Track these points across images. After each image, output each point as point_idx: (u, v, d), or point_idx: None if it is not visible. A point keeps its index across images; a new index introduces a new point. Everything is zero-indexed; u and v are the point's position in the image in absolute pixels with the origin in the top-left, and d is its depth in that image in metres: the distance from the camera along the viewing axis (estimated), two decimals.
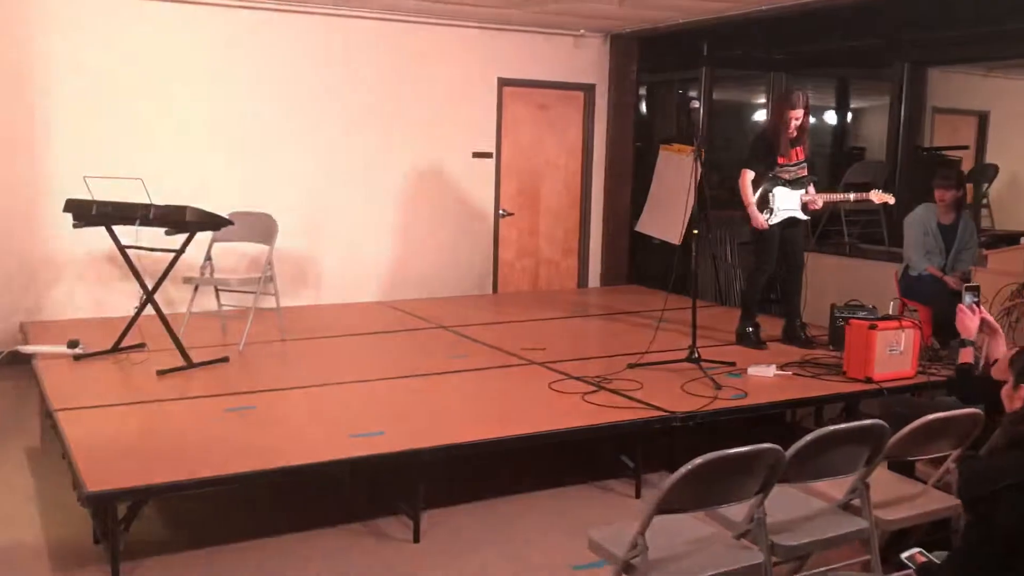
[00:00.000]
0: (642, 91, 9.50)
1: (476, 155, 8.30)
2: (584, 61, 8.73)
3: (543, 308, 7.53)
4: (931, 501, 3.41)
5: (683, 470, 2.67)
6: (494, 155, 8.38)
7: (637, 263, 9.16)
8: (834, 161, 10.44)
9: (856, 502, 3.26)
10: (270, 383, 5.05)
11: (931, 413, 3.94)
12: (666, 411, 4.55)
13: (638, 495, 4.56)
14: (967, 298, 3.78)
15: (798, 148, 6.01)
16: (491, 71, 8.28)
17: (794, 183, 5.98)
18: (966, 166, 9.73)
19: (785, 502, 3.20)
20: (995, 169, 9.52)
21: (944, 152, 10.00)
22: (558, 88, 8.67)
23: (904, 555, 2.60)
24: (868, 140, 10.86)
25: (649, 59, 8.93)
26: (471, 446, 4.11)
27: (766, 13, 7.22)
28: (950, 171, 6.38)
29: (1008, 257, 5.86)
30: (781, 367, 5.43)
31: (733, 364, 5.50)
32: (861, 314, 5.97)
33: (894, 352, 5.23)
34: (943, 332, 5.68)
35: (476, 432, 4.20)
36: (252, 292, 5.94)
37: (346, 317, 7.08)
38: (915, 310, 6.38)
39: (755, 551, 2.94)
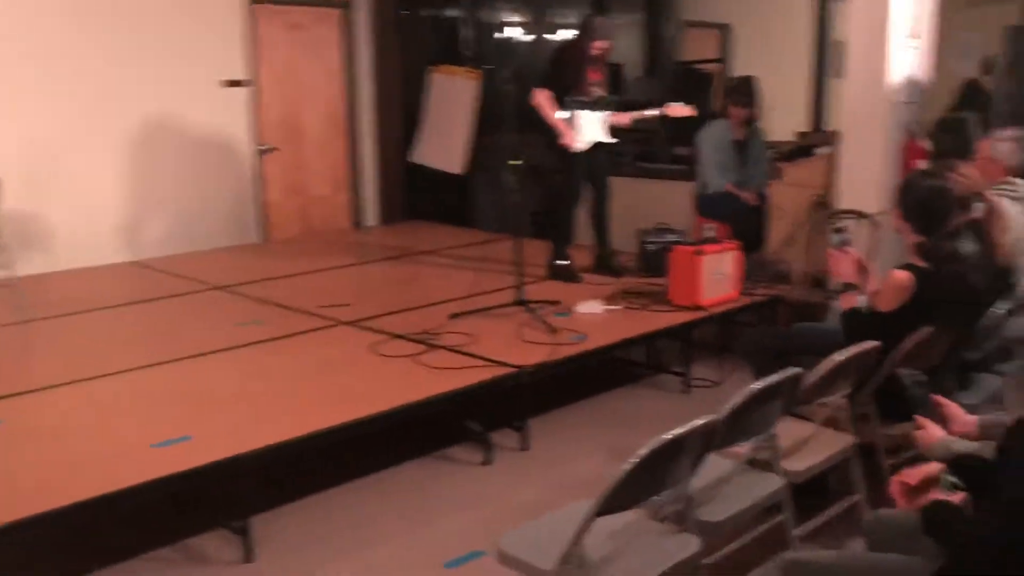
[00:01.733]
0: (421, 8, 8.78)
1: (227, 83, 7.26)
2: None
3: (327, 255, 6.77)
4: (828, 443, 3.19)
5: (628, 466, 2.20)
6: (252, 83, 7.38)
7: (413, 196, 8.56)
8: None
9: (763, 455, 2.97)
10: (19, 383, 3.98)
11: (799, 343, 3.81)
12: (513, 366, 4.08)
13: (488, 461, 4.09)
14: (835, 239, 3.59)
15: (596, 67, 5.67)
16: None
17: (595, 104, 5.64)
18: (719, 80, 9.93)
19: None
20: (746, 80, 9.72)
21: (698, 66, 10.15)
22: (311, 5, 7.75)
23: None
24: (624, 56, 10.81)
25: None
26: (306, 440, 3.40)
27: None
28: (745, 87, 6.28)
29: (804, 169, 5.88)
30: (607, 301, 5.13)
31: (558, 303, 5.12)
32: (671, 238, 5.83)
33: (718, 276, 5.08)
34: (744, 247, 5.63)
35: (307, 421, 3.48)
36: None
37: (93, 285, 5.96)
38: (712, 228, 6.31)
39: (686, 536, 2.55)
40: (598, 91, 5.65)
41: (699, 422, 2.40)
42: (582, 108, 5.57)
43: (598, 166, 5.76)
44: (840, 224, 3.84)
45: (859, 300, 3.54)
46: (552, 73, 5.75)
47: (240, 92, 7.34)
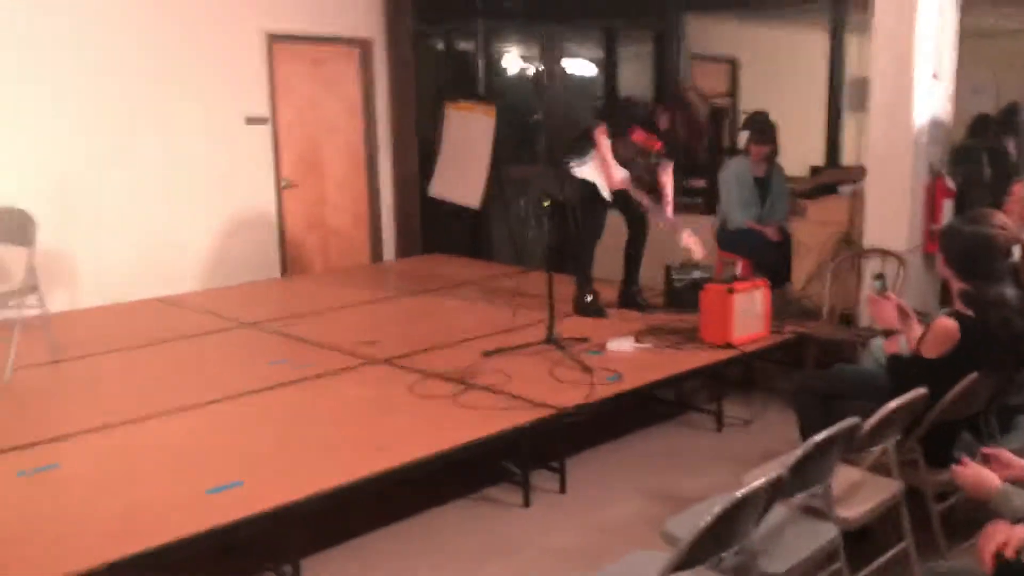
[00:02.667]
0: (437, 44, 8.88)
1: (250, 121, 7.33)
2: (356, 14, 7.95)
3: (350, 290, 6.80)
4: (878, 489, 3.22)
5: (703, 524, 2.23)
6: (270, 120, 7.45)
7: (427, 230, 8.61)
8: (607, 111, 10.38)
9: (816, 503, 3.00)
10: (64, 426, 4.00)
11: (843, 387, 3.85)
12: (553, 407, 4.11)
13: (527, 503, 4.11)
14: (875, 285, 3.63)
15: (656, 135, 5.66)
16: (257, 25, 7.30)
17: (636, 159, 5.68)
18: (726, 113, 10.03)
19: None
20: (765, 117, 9.84)
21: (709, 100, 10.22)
22: (332, 43, 7.84)
23: None
24: (632, 88, 10.91)
25: (424, 11, 8.31)
26: (356, 486, 3.42)
27: None
28: (765, 126, 6.36)
29: (827, 206, 5.94)
30: (637, 338, 5.17)
31: (587, 340, 5.16)
32: (698, 274, 5.88)
33: (748, 314, 5.12)
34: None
35: (355, 466, 3.50)
36: (13, 307, 4.78)
37: (122, 322, 5.98)
38: (732, 262, 6.37)
39: None
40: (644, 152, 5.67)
41: (767, 477, 2.42)
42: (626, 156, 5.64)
43: (634, 204, 5.79)
44: (879, 271, 3.87)
45: (901, 343, 3.58)
46: (619, 118, 5.77)
47: (262, 128, 7.41)
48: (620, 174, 5.59)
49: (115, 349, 5.26)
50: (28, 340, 4.99)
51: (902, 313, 3.57)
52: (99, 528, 3.07)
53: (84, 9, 6.34)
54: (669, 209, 5.72)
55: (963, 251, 3.33)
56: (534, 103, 8.89)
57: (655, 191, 5.75)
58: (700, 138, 5.61)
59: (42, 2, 6.15)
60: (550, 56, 9.75)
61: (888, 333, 3.56)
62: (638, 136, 5.61)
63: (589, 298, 5.82)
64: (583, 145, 5.74)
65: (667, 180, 5.75)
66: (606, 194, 5.65)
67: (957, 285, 3.37)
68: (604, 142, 5.56)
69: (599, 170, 5.63)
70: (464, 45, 8.99)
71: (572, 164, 5.73)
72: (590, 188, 5.66)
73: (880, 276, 3.72)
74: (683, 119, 5.46)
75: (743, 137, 6.69)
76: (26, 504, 3.28)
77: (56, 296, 6.11)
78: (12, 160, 6.11)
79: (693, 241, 5.51)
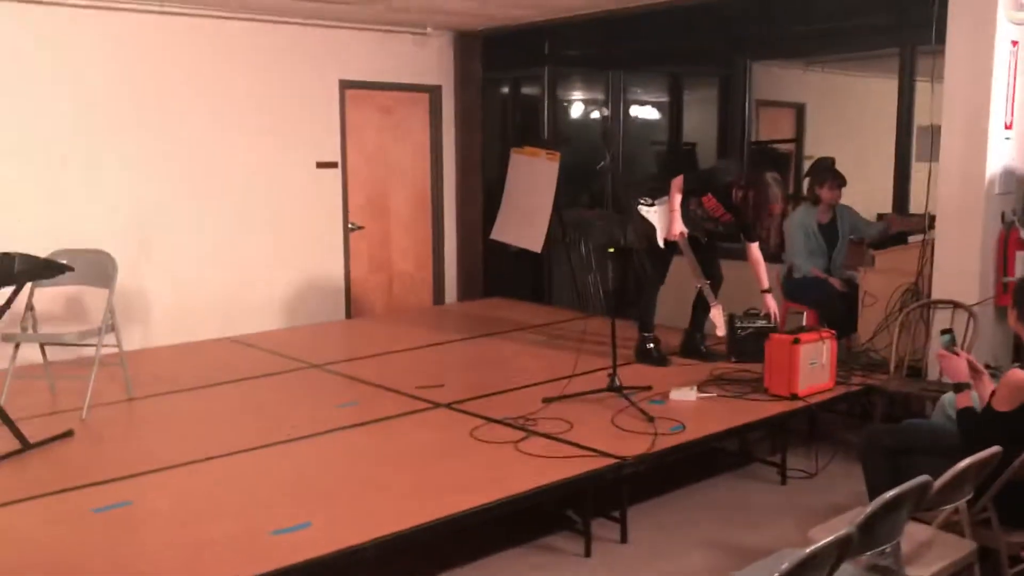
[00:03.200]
0: (504, 89, 9.04)
1: (320, 165, 7.52)
2: (427, 61, 8.14)
3: (414, 332, 6.90)
4: (949, 549, 3.15)
5: None
6: (340, 164, 7.64)
7: (490, 274, 8.70)
8: (670, 156, 10.39)
9: (885, 562, 2.94)
10: (137, 463, 4.12)
11: (913, 442, 3.78)
12: (615, 456, 4.10)
13: (588, 553, 4.09)
14: (943, 340, 3.59)
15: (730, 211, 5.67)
16: (332, 73, 7.52)
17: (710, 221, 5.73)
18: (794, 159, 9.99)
19: None
20: (832, 162, 9.78)
21: (773, 145, 10.21)
22: (402, 90, 8.03)
23: None
24: (697, 135, 10.93)
25: (492, 58, 8.48)
26: (421, 529, 3.45)
27: (608, 14, 7.12)
28: (831, 171, 6.34)
29: (896, 257, 5.84)
30: (701, 388, 5.14)
31: (650, 388, 5.15)
32: (761, 323, 5.83)
33: (814, 365, 5.06)
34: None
35: (421, 509, 3.54)
36: (93, 345, 4.95)
37: (193, 361, 6.15)
38: (800, 312, 6.31)
39: None
40: (721, 218, 5.69)
41: (835, 535, 2.39)
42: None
43: (711, 249, 5.82)
44: (947, 326, 3.81)
45: (972, 398, 3.51)
46: (698, 177, 5.81)
47: (332, 172, 7.60)
48: (679, 227, 5.60)
49: (187, 388, 5.41)
50: (105, 378, 5.16)
51: (973, 368, 3.51)
52: (167, 566, 3.15)
53: (163, 60, 6.60)
54: (763, 280, 5.73)
55: None
56: (599, 148, 8.94)
57: (708, 259, 5.76)
58: (766, 220, 5.60)
59: (120, 54, 6.43)
60: (616, 102, 9.84)
61: (959, 387, 3.50)
62: (710, 202, 5.63)
63: (651, 345, 5.81)
64: (656, 190, 5.77)
65: (757, 257, 5.77)
66: (660, 241, 5.67)
67: None
68: (676, 195, 5.61)
69: (662, 217, 5.65)
70: (530, 91, 9.13)
71: (641, 204, 5.75)
72: (651, 233, 5.67)
73: (948, 331, 3.67)
74: (755, 199, 5.45)
75: (806, 183, 6.66)
76: (98, 540, 3.38)
77: (131, 334, 6.30)
78: (94, 204, 6.36)
79: (719, 317, 5.46)
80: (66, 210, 6.22)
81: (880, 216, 7.83)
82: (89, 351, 5.09)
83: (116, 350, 5.18)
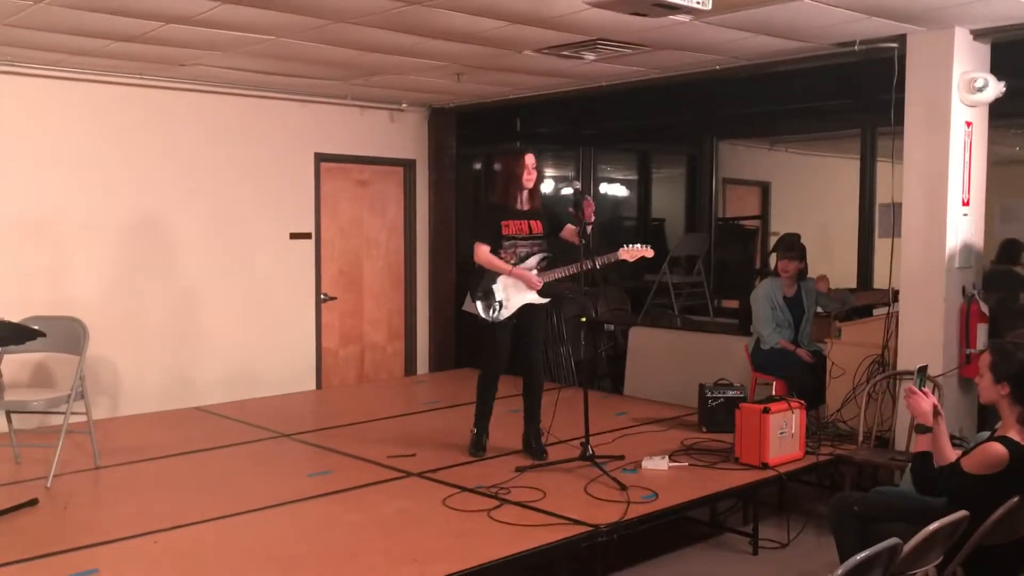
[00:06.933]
0: (475, 165, 9.19)
1: (294, 236, 7.58)
2: (402, 136, 8.29)
3: (385, 403, 6.90)
4: None
5: None
6: (313, 235, 7.70)
7: (463, 345, 8.72)
8: (637, 233, 10.57)
9: None
10: (105, 531, 4.06)
11: (882, 509, 3.82)
12: (589, 525, 4.09)
13: None
14: (917, 379, 3.67)
15: (532, 221, 5.27)
16: (308, 146, 7.63)
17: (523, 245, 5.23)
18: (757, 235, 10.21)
19: None
20: (797, 237, 9.99)
21: (741, 221, 10.43)
22: (377, 163, 8.15)
23: None
24: (666, 211, 11.15)
25: (465, 134, 8.65)
26: None
27: (579, 92, 7.29)
28: (793, 244, 6.48)
29: (862, 329, 5.97)
30: (672, 457, 5.17)
31: (622, 457, 5.16)
32: (732, 393, 5.90)
33: (784, 434, 5.11)
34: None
35: None
36: (60, 413, 4.89)
37: (161, 430, 6.07)
38: (767, 383, 6.38)
39: None
40: (532, 247, 5.31)
41: None
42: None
43: (526, 332, 5.41)
44: (923, 364, 3.89)
45: (929, 445, 3.56)
46: (483, 223, 5.36)
47: (306, 243, 7.65)
48: (534, 277, 5.26)
49: (155, 457, 5.34)
50: (71, 446, 5.09)
51: (936, 413, 3.58)
52: None
53: (140, 130, 6.67)
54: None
55: (1015, 374, 3.38)
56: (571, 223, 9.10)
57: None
58: (521, 187, 5.23)
59: (98, 124, 6.48)
60: (586, 178, 10.05)
61: (921, 429, 3.56)
62: (507, 229, 5.24)
63: (473, 430, 5.47)
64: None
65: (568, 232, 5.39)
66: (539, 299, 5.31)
67: (1011, 409, 3.40)
68: (486, 258, 5.24)
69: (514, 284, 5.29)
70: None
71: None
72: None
73: (923, 368, 3.75)
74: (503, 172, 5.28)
75: (773, 258, 6.80)
76: None
77: (99, 403, 6.23)
78: (66, 271, 6.34)
79: (626, 252, 5.21)
80: (38, 277, 6.19)
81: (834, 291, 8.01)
82: (56, 419, 5.03)
83: (84, 418, 5.11)
